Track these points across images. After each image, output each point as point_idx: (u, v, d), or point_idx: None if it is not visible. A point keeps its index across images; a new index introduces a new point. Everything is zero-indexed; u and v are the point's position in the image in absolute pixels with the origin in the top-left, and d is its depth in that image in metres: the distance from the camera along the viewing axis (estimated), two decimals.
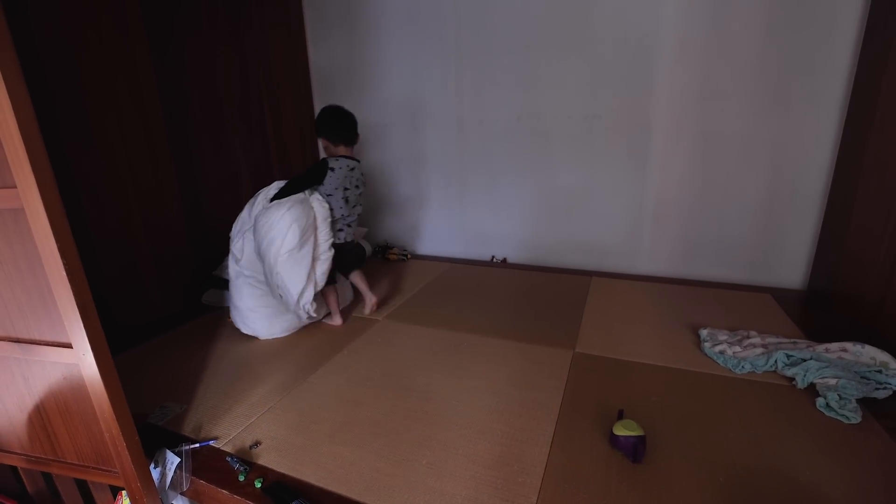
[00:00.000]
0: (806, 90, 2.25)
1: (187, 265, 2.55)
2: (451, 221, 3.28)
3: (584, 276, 2.79)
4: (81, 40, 1.97)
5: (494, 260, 3.19)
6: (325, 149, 2.16)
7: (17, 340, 1.21)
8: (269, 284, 2.00)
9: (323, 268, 2.03)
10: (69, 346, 1.13)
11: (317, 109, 3.42)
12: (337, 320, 2.22)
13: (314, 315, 2.11)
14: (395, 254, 3.25)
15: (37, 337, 1.19)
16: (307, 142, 3.42)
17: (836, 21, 2.13)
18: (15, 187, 1.01)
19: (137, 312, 2.28)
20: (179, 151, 2.45)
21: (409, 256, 3.28)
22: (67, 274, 1.04)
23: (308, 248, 1.96)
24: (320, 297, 2.16)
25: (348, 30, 3.17)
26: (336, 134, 2.09)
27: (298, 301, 1.98)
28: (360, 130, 2.16)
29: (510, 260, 3.16)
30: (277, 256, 1.90)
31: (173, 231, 2.46)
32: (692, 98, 2.45)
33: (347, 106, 2.07)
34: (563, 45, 2.63)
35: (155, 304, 2.37)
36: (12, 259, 1.13)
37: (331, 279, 2.17)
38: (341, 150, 2.12)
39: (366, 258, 3.24)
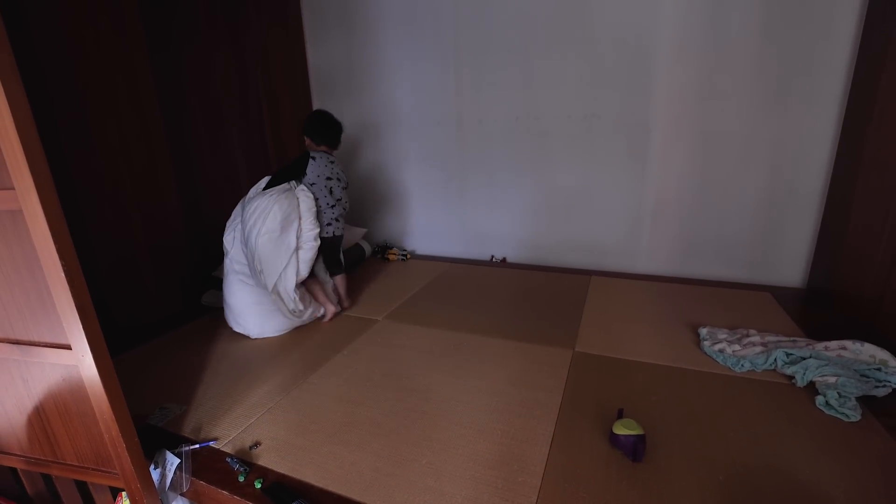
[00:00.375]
0: (804, 89, 2.26)
1: (186, 266, 2.55)
2: (451, 221, 3.28)
3: (584, 275, 2.79)
4: (79, 41, 1.97)
5: (494, 260, 3.19)
6: (308, 146, 2.32)
7: (16, 342, 1.21)
8: (253, 270, 2.02)
9: (306, 256, 2.07)
10: (68, 347, 1.13)
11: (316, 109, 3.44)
12: (330, 308, 2.23)
13: (300, 307, 2.10)
14: (394, 254, 3.25)
15: (36, 339, 1.19)
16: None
17: (834, 20, 2.13)
18: (13, 189, 1.01)
19: (137, 313, 2.28)
20: (178, 152, 2.45)
21: (408, 256, 3.28)
22: (66, 275, 1.04)
23: (290, 235, 2.02)
24: (306, 295, 2.17)
25: (346, 30, 3.17)
26: (319, 136, 2.30)
27: (277, 285, 2.00)
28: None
29: (510, 259, 3.16)
30: (258, 238, 1.97)
31: (172, 232, 2.46)
32: (691, 97, 2.45)
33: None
34: (562, 44, 2.63)
35: (154, 305, 2.37)
36: (11, 261, 1.13)
37: (311, 274, 2.20)
38: (322, 149, 2.29)
39: (365, 258, 3.25)
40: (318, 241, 2.11)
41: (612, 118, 2.64)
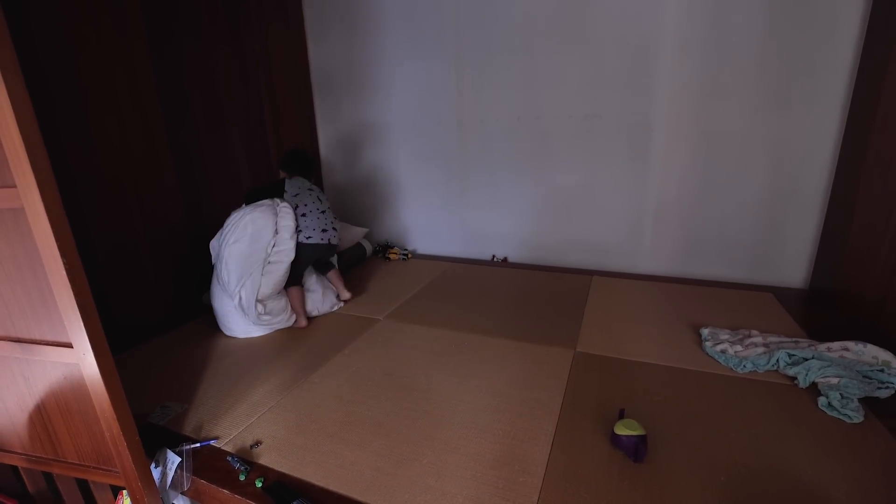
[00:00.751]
0: (807, 88, 2.25)
1: (187, 265, 2.54)
2: (452, 221, 3.27)
3: (585, 275, 2.79)
4: (80, 38, 1.96)
5: (495, 259, 3.19)
6: (283, 176, 2.41)
7: (18, 340, 1.21)
8: (223, 281, 2.03)
9: (275, 270, 2.07)
10: (69, 345, 1.13)
11: (317, 107, 3.46)
12: (301, 321, 2.22)
13: (264, 317, 2.09)
14: (395, 253, 3.25)
15: (37, 337, 1.19)
16: (308, 140, 3.42)
17: (838, 19, 2.13)
18: (15, 187, 1.01)
19: (138, 312, 2.28)
20: (179, 151, 2.45)
21: (409, 256, 3.28)
22: (68, 273, 1.04)
23: (258, 247, 2.03)
24: (282, 303, 2.17)
25: (348, 28, 3.16)
26: (292, 169, 2.41)
27: (241, 295, 2.00)
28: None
29: (511, 259, 3.16)
30: (227, 247, 2.00)
31: (173, 231, 2.46)
32: (693, 97, 2.45)
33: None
34: (563, 43, 2.63)
35: (155, 304, 2.37)
36: (12, 258, 1.13)
37: (296, 280, 2.20)
38: (296, 177, 2.39)
39: (366, 257, 3.26)
40: (291, 258, 2.10)
41: (613, 118, 2.63)
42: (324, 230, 2.24)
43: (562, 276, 2.78)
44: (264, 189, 2.25)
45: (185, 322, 2.32)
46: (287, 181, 2.29)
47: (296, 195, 2.23)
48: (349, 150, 3.44)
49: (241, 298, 2.02)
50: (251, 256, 2.02)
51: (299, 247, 2.15)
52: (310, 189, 2.30)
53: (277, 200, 2.16)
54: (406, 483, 1.22)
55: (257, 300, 2.05)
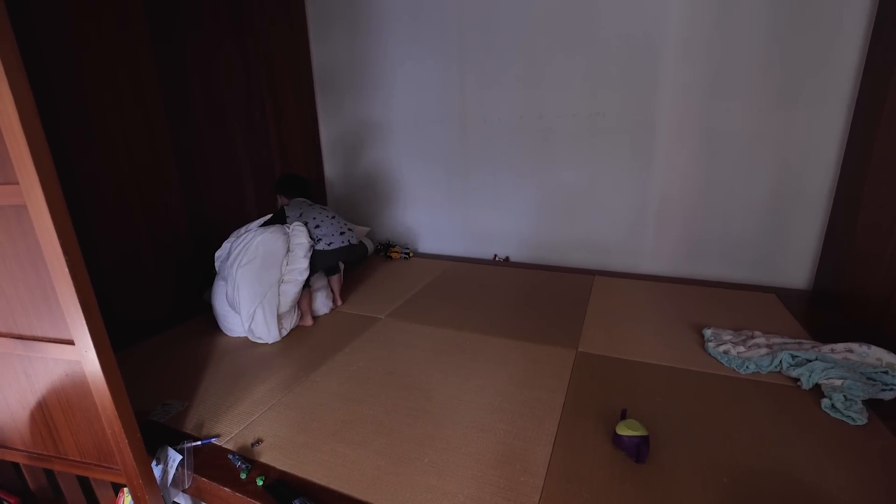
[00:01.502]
0: (813, 87, 2.23)
1: (188, 263, 2.54)
2: (454, 220, 3.27)
3: (587, 274, 2.78)
4: (83, 35, 1.96)
5: (497, 258, 3.18)
6: (282, 203, 2.44)
7: (20, 337, 1.21)
8: (231, 299, 2.02)
9: (291, 290, 2.06)
10: (71, 342, 1.13)
11: (319, 106, 3.46)
12: (307, 320, 2.23)
13: (275, 337, 2.06)
14: (397, 252, 3.25)
15: (39, 334, 1.19)
16: (309, 138, 3.42)
17: (843, 18, 2.11)
18: (17, 184, 1.01)
19: (139, 310, 2.28)
20: (181, 148, 2.45)
21: (411, 255, 3.27)
22: (70, 271, 1.04)
23: (271, 269, 2.01)
24: (294, 315, 2.17)
25: (351, 26, 3.16)
26: (292, 192, 2.44)
27: (251, 317, 1.97)
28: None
29: (512, 258, 3.15)
30: (238, 269, 1.98)
31: (175, 229, 2.46)
32: (697, 96, 2.43)
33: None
34: (567, 42, 2.62)
35: (157, 302, 2.37)
36: (14, 255, 1.13)
37: (304, 284, 2.20)
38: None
39: (367, 256, 3.26)
40: (304, 276, 2.09)
41: (616, 117, 2.63)
42: (342, 233, 2.24)
43: (563, 276, 2.78)
44: (268, 221, 2.26)
45: (185, 320, 2.32)
46: (286, 208, 2.31)
47: (300, 214, 2.24)
48: (351, 148, 3.44)
49: (253, 320, 1.98)
50: (265, 278, 2.00)
51: (321, 255, 2.15)
52: (310, 205, 2.32)
53: (287, 224, 2.18)
54: (407, 482, 1.22)
55: (277, 316, 2.04)
